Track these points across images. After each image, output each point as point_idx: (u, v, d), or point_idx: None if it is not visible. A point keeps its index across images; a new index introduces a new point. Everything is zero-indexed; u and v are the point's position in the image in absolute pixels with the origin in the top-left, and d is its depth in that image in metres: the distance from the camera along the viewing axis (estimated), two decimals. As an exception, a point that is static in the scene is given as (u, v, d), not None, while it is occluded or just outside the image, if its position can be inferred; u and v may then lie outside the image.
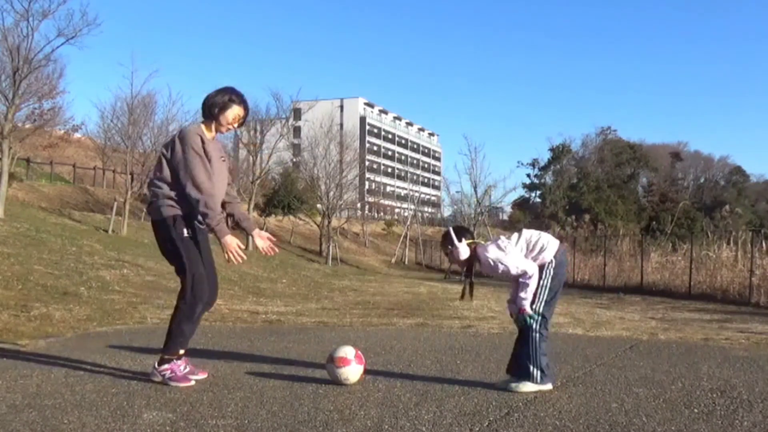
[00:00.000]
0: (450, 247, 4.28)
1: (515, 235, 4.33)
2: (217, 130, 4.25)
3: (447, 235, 4.33)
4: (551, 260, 4.21)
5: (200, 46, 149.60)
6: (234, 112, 4.19)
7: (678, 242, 23.28)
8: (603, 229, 36.69)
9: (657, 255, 21.64)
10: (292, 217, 38.00)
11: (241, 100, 4.23)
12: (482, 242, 4.35)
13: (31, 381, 4.18)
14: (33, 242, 14.13)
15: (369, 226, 50.85)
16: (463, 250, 4.24)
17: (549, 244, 4.24)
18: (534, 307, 4.14)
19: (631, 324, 9.21)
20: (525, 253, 4.19)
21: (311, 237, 40.69)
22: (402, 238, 45.60)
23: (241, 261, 4.14)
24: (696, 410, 3.75)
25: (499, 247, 4.18)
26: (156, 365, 4.17)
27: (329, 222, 36.15)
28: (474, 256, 4.26)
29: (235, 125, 4.27)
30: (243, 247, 4.20)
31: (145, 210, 30.04)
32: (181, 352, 4.21)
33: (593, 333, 7.85)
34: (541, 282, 4.18)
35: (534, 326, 4.14)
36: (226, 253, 4.11)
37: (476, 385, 4.30)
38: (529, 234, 4.30)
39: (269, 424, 3.32)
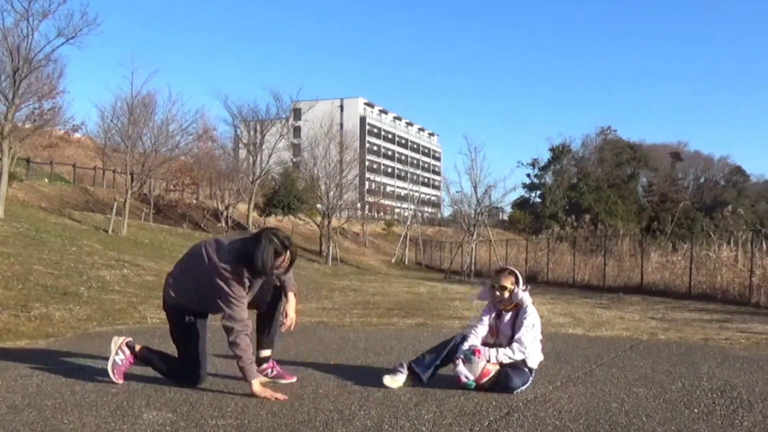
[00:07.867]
0: (516, 288, 4.35)
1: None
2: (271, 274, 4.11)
3: (517, 278, 4.42)
4: None
5: (200, 46, 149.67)
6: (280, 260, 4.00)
7: (678, 242, 23.22)
8: (603, 229, 36.65)
9: (657, 255, 21.60)
10: (292, 217, 37.97)
11: (284, 246, 3.97)
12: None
13: (31, 381, 4.18)
14: (33, 242, 14.13)
15: (369, 226, 50.81)
16: (525, 297, 4.38)
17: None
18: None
19: (631, 324, 9.21)
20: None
21: (311, 237, 40.66)
22: (402, 238, 45.58)
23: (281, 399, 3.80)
24: (696, 410, 3.75)
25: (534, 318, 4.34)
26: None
27: (329, 222, 36.12)
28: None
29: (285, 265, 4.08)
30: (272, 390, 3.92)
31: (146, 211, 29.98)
32: (138, 347, 4.27)
33: (593, 333, 7.85)
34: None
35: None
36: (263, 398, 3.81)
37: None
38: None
39: (269, 424, 3.32)
